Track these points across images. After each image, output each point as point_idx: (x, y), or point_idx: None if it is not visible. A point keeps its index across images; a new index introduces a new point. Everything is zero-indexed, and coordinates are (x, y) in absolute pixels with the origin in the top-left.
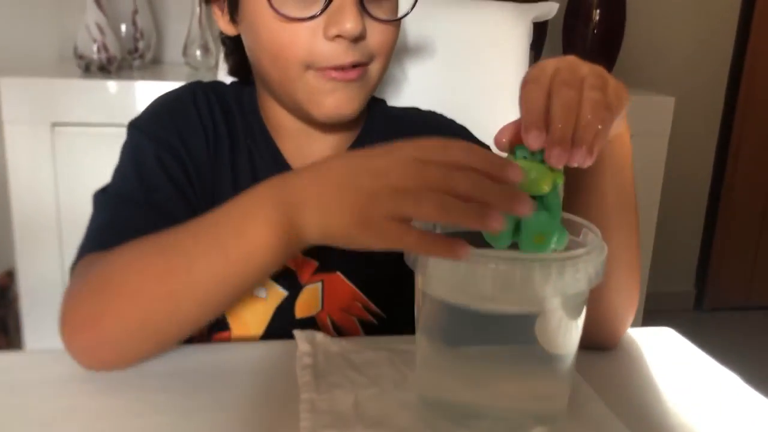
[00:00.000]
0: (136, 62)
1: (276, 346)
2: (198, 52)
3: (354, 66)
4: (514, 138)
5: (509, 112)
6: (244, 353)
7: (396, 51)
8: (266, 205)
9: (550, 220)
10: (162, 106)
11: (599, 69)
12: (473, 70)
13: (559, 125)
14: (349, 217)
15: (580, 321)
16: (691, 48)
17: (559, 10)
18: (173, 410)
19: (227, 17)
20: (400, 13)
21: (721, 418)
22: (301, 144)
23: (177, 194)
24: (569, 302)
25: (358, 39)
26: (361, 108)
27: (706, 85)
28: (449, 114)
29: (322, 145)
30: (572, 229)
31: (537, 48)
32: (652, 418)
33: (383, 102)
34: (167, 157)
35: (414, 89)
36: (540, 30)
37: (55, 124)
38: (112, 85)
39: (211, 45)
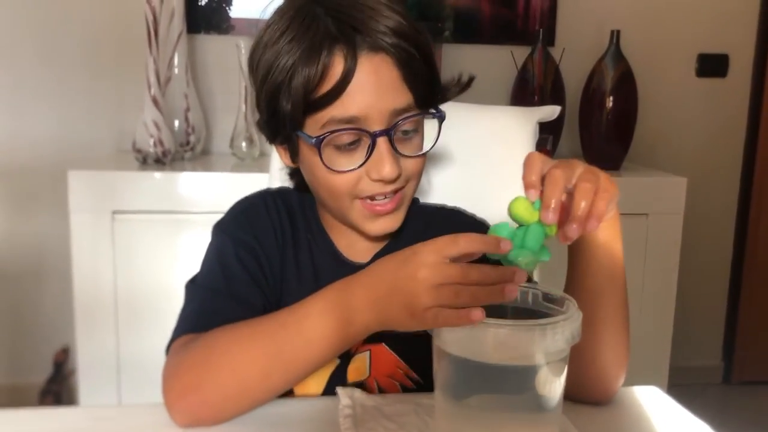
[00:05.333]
0: (188, 154)
1: (323, 401)
2: (243, 144)
3: (394, 191)
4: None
5: None
6: (300, 406)
7: None
8: (332, 309)
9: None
10: (240, 210)
11: (592, 167)
12: (487, 169)
13: (581, 208)
14: (402, 312)
15: (564, 374)
16: (702, 131)
17: (575, 96)
18: None
19: (288, 157)
20: (426, 146)
21: None
22: (352, 240)
23: (252, 284)
24: (553, 358)
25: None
26: (402, 221)
27: (719, 166)
28: (470, 207)
29: (370, 238)
30: (557, 302)
31: (555, 133)
32: None
33: (417, 200)
34: (244, 254)
35: (439, 189)
36: (558, 117)
37: (115, 212)
38: (166, 176)
39: (255, 137)
